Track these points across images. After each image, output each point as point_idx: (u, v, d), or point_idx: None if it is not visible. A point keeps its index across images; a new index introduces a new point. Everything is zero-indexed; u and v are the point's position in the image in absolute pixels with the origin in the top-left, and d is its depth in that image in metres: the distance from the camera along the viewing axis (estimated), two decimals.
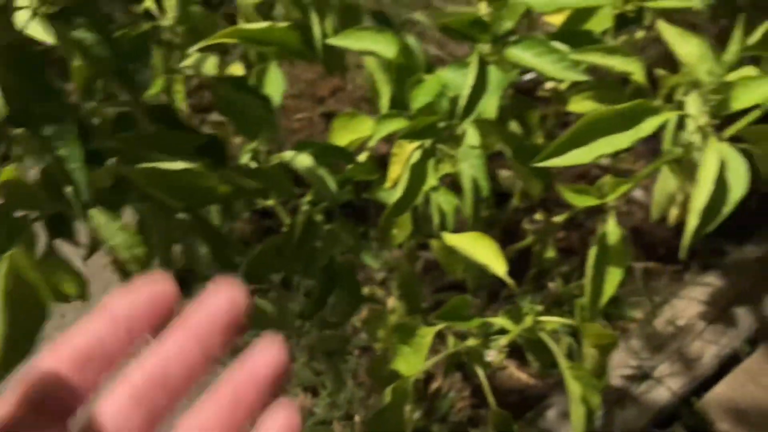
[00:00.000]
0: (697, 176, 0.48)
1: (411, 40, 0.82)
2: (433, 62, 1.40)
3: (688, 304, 1.10)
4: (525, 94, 1.07)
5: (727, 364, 1.07)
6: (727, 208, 0.47)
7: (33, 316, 0.44)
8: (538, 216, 0.74)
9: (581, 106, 0.84)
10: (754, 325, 1.09)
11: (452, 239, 0.63)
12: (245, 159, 0.60)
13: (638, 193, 1.18)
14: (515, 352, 1.11)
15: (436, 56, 1.36)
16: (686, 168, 0.75)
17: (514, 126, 0.90)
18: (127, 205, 0.54)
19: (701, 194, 0.46)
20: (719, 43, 1.02)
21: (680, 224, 1.31)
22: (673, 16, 1.02)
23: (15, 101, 0.44)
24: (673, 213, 0.89)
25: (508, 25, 0.59)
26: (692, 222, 0.47)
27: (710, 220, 0.47)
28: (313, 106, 1.37)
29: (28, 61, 0.45)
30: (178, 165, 0.48)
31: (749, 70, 0.54)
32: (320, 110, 1.37)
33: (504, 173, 1.15)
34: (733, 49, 0.53)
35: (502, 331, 0.68)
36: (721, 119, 0.55)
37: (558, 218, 0.76)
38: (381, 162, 1.31)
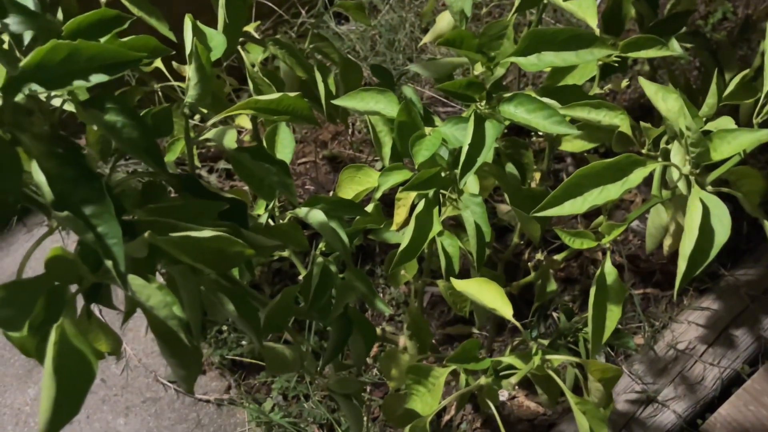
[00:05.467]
0: (684, 222, 0.52)
1: (409, 91, 0.88)
2: (430, 104, 1.46)
3: (687, 327, 1.14)
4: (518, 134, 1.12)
5: (729, 386, 1.11)
6: (714, 252, 0.51)
7: (80, 380, 0.48)
8: (539, 256, 0.78)
9: (573, 145, 0.89)
10: (753, 346, 1.12)
11: (461, 285, 0.67)
12: (263, 219, 0.64)
13: (633, 222, 1.23)
14: (524, 381, 1.15)
15: (431, 97, 1.41)
16: (676, 201, 0.79)
17: (510, 167, 0.95)
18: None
19: (689, 241, 0.51)
20: (700, 80, 1.07)
21: (675, 251, 1.35)
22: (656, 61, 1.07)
23: (57, 186, 0.48)
24: (667, 243, 0.93)
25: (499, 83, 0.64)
26: (681, 267, 0.51)
27: (698, 264, 0.51)
28: (317, 150, 1.42)
29: (66, 149, 0.49)
30: (208, 233, 0.52)
31: (726, 121, 0.58)
32: (323, 153, 1.42)
33: (503, 208, 1.19)
34: (710, 102, 0.58)
35: (511, 367, 0.72)
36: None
37: (558, 256, 0.80)
38: (383, 201, 1.36)
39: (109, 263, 0.48)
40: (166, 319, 0.49)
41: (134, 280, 0.50)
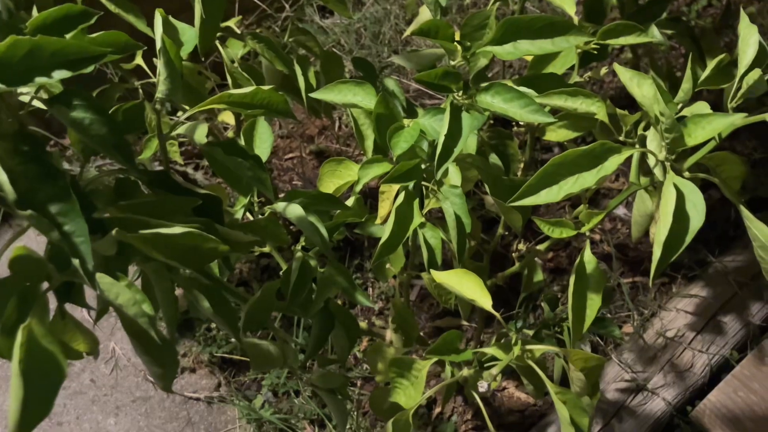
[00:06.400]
0: (658, 209, 0.51)
1: (390, 83, 0.87)
2: (417, 96, 1.45)
3: (675, 315, 1.14)
4: (503, 124, 1.12)
5: (719, 372, 1.11)
6: (689, 238, 0.51)
7: (49, 380, 0.47)
8: (521, 246, 0.78)
9: (557, 134, 0.89)
10: (742, 332, 1.12)
11: (440, 277, 0.66)
12: (239, 214, 0.63)
13: (621, 211, 1.22)
14: (514, 372, 1.14)
15: (418, 90, 1.40)
16: (661, 188, 0.79)
17: (494, 158, 0.94)
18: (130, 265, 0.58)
19: (663, 227, 0.50)
20: (682, 68, 1.07)
21: None
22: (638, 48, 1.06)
23: (21, 184, 0.47)
24: (653, 230, 0.93)
25: (478, 73, 0.63)
26: (657, 253, 0.51)
27: (673, 250, 0.51)
28: (303, 145, 1.41)
29: (31, 147, 0.48)
30: (179, 229, 0.51)
31: (701, 106, 0.58)
32: (310, 148, 1.41)
33: (490, 199, 1.19)
34: (685, 88, 0.57)
35: (495, 358, 0.72)
36: (681, 151, 0.58)
37: (541, 246, 0.80)
38: (371, 195, 1.35)
39: (76, 261, 0.47)
40: (135, 317, 0.49)
41: (102, 278, 0.49)
